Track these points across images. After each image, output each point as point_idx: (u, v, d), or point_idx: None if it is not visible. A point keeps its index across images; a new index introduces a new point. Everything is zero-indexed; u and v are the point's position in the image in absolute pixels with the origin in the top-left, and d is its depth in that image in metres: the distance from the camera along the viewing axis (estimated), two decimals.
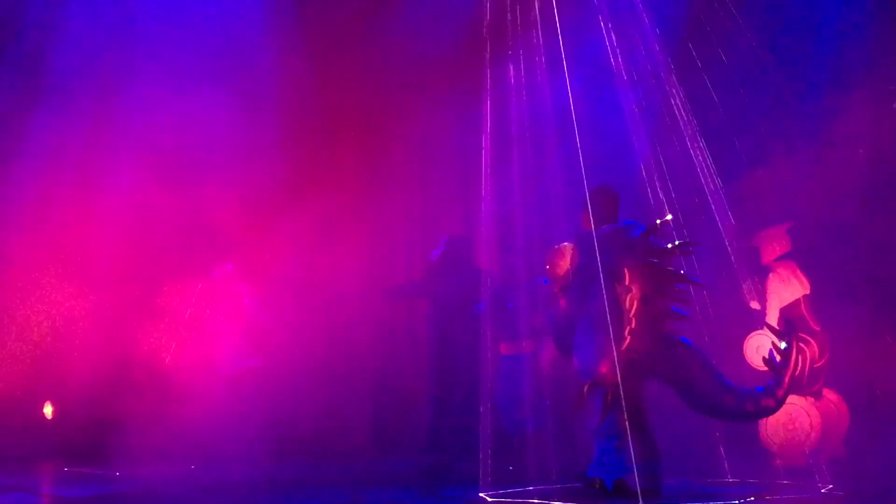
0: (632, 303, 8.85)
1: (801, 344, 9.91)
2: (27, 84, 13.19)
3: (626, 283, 8.86)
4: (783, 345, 9.10)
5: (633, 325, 8.85)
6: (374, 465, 12.19)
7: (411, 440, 12.48)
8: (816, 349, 10.62)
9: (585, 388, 8.98)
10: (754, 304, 11.01)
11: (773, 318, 10.73)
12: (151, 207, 13.08)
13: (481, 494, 9.25)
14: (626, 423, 8.89)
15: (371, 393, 13.77)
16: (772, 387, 9.05)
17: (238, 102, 13.10)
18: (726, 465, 10.09)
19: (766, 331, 9.97)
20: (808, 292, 10.82)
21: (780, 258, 10.89)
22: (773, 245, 10.92)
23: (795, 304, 10.78)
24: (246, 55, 13.32)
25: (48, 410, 12.81)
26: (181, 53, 13.14)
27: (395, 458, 12.39)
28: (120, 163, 13.02)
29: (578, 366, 9.05)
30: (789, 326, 9.07)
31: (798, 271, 10.87)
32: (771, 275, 10.85)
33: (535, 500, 8.93)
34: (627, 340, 8.85)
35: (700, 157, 10.65)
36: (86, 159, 13.15)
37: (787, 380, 9.00)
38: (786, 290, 10.81)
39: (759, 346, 10.74)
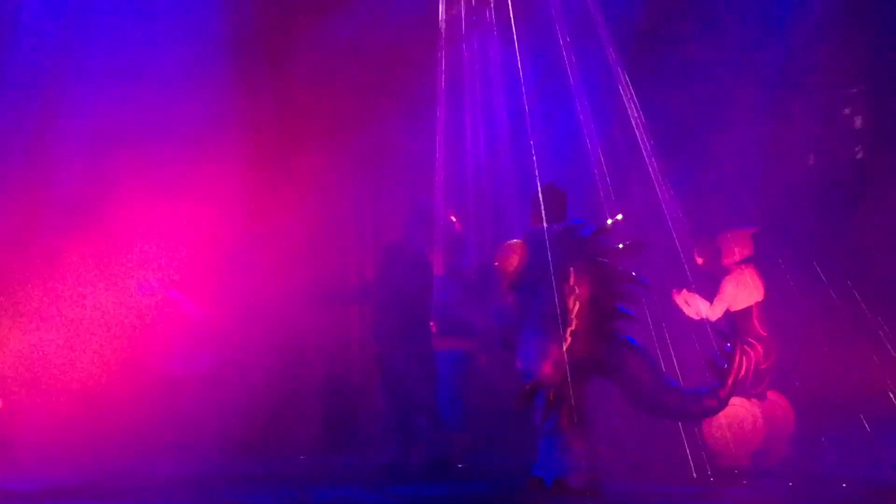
0: (575, 303, 8.87)
1: (745, 346, 10.01)
2: None
3: (571, 282, 8.88)
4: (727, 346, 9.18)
5: (574, 326, 8.86)
6: (322, 462, 12.18)
7: (361, 437, 12.49)
8: (762, 352, 10.69)
9: (527, 389, 9.01)
10: (699, 259, 11.02)
11: (715, 315, 10.77)
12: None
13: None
14: (568, 422, 8.93)
15: (320, 388, 13.74)
16: (715, 388, 9.13)
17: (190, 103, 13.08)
18: (670, 465, 10.17)
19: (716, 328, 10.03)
20: (761, 299, 10.88)
21: (741, 262, 10.94)
22: (735, 248, 10.96)
23: (748, 308, 10.83)
24: (197, 54, 13.27)
25: None
26: (133, 51, 13.09)
27: (344, 454, 12.38)
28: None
29: (521, 366, 9.07)
30: (734, 329, 9.14)
31: (756, 276, 10.92)
32: (728, 276, 10.89)
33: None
34: (569, 341, 8.87)
35: (651, 158, 10.70)
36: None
37: (730, 381, 9.09)
38: (741, 293, 10.85)
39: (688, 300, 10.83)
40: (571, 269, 8.88)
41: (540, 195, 9.39)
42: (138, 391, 12.55)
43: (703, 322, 10.48)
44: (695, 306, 10.74)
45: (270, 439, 12.85)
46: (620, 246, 9.07)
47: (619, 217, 9.25)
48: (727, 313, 10.66)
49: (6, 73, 12.97)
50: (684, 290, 10.77)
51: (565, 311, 8.86)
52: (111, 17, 13.24)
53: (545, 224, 9.22)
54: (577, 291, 8.86)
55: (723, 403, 9.24)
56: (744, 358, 9.51)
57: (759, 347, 10.56)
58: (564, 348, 8.81)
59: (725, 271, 10.83)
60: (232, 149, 13.25)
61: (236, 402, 12.64)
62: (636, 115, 10.77)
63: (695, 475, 10.05)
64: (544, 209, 9.31)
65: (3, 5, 13.13)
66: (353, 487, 9.81)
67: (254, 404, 12.74)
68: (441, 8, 11.40)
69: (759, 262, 10.88)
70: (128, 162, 12.95)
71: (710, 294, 10.80)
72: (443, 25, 11.50)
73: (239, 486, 9.94)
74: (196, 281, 13.03)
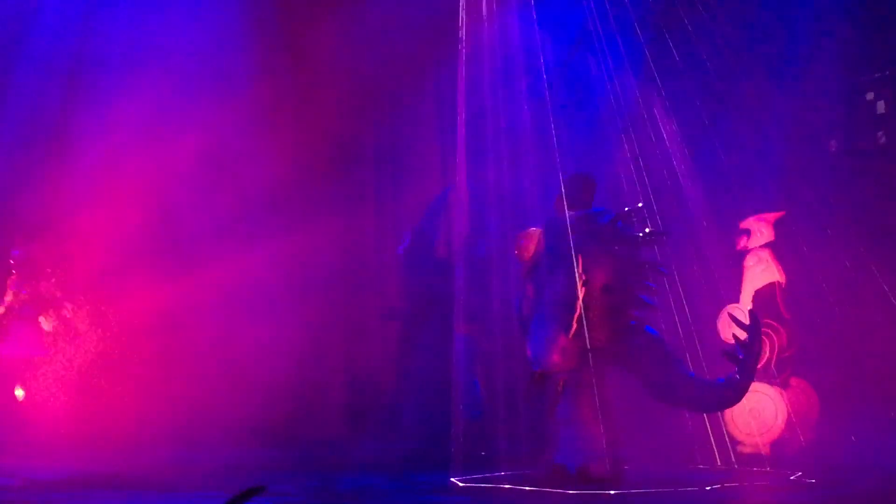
0: (583, 291, 8.88)
1: (769, 331, 9.99)
2: None
3: (580, 270, 8.88)
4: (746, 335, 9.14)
5: (579, 314, 8.87)
6: (346, 452, 12.20)
7: (384, 427, 12.51)
8: (785, 338, 10.66)
9: (535, 376, 9.03)
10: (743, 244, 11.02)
11: (746, 299, 10.76)
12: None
13: (452, 479, 9.28)
14: (590, 410, 8.94)
15: (343, 380, 13.78)
16: (733, 378, 9.08)
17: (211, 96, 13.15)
18: (693, 451, 10.16)
19: (732, 313, 9.98)
20: (782, 281, 10.85)
21: (763, 245, 10.93)
22: (760, 232, 10.96)
23: (770, 289, 10.80)
24: (217, 47, 13.32)
25: (20, 393, 12.79)
26: (152, 44, 13.15)
27: (367, 444, 12.40)
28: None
29: (529, 353, 9.09)
30: (754, 319, 9.11)
31: (776, 260, 10.90)
32: (748, 256, 10.89)
33: (506, 486, 8.98)
34: (574, 328, 8.87)
35: (674, 143, 10.68)
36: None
37: (748, 371, 9.03)
38: (762, 273, 10.85)
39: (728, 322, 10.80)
40: (580, 256, 8.89)
41: (563, 183, 9.39)
42: (169, 384, 12.68)
43: (722, 310, 10.46)
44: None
45: (294, 429, 12.89)
46: (640, 235, 9.05)
47: (640, 205, 9.22)
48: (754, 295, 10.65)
49: (28, 65, 13.05)
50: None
51: (573, 298, 8.87)
52: (131, 9, 13.30)
53: (567, 211, 9.23)
54: (584, 279, 8.87)
55: (739, 395, 9.19)
56: (764, 346, 9.47)
57: (783, 333, 10.53)
58: (571, 335, 8.83)
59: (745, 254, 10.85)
60: (251, 142, 13.31)
61: (260, 393, 12.73)
62: (659, 101, 10.75)
63: (718, 462, 10.05)
64: (568, 197, 9.31)
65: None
66: (375, 476, 9.84)
67: (277, 395, 12.82)
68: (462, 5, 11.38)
69: (778, 247, 10.87)
70: (147, 154, 13.03)
71: (731, 279, 10.80)
72: (463, 15, 11.47)
73: (263, 475, 9.96)
74: (216, 275, 13.10)
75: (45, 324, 12.41)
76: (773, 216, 11.00)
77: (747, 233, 11.03)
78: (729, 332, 10.54)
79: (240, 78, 13.51)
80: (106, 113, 12.96)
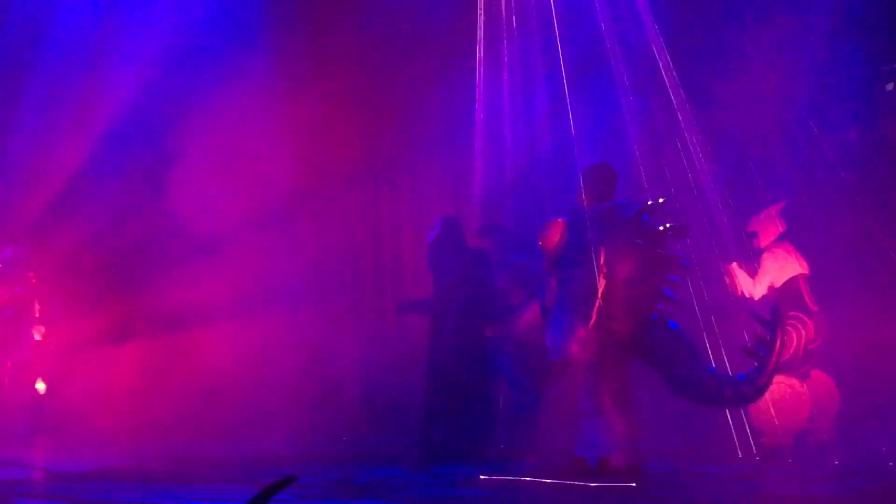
0: (604, 283, 8.87)
1: (797, 324, 9.97)
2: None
3: (602, 262, 8.87)
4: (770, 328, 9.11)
5: (599, 306, 8.86)
6: (367, 445, 12.22)
7: (402, 418, 12.50)
8: (812, 329, 10.63)
9: (553, 367, 9.04)
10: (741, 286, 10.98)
11: (759, 293, 10.72)
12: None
13: (476, 474, 9.28)
14: (610, 402, 8.94)
15: (364, 372, 13.77)
16: (753, 375, 9.03)
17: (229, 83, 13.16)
18: (714, 443, 10.15)
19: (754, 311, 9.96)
20: (806, 272, 10.81)
21: (777, 239, 10.89)
22: (769, 228, 10.91)
23: (793, 282, 10.76)
24: (237, 36, 13.33)
25: (41, 387, 12.82)
26: (171, 34, 13.16)
27: (388, 436, 12.41)
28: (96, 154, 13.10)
29: (548, 344, 9.10)
30: (775, 315, 9.08)
31: (794, 251, 10.86)
32: (765, 254, 10.84)
33: (525, 478, 8.98)
34: (594, 320, 8.87)
35: (693, 136, 10.66)
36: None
37: (768, 369, 9.00)
38: (780, 270, 10.79)
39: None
40: (602, 248, 8.89)
41: (584, 175, 9.39)
42: (185, 378, 12.71)
43: (745, 306, 10.43)
44: (742, 281, 10.69)
45: (314, 422, 12.90)
46: (662, 228, 9.03)
47: (662, 200, 9.19)
48: (771, 296, 10.59)
49: (45, 65, 13.08)
50: (735, 264, 10.72)
51: (593, 290, 8.87)
52: (148, 5, 13.32)
53: (588, 204, 9.23)
54: (606, 271, 8.86)
55: (760, 391, 9.16)
56: (787, 340, 9.44)
57: (810, 325, 10.51)
58: (590, 326, 8.83)
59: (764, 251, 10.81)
60: (267, 137, 13.33)
61: (278, 386, 12.75)
62: (677, 94, 10.73)
63: (740, 454, 10.04)
64: (589, 189, 9.31)
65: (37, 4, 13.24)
66: (395, 468, 9.85)
67: (295, 388, 12.84)
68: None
69: (795, 236, 10.84)
70: (166, 152, 13.06)
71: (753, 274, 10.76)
72: (481, 11, 11.47)
73: (283, 468, 9.97)
74: (231, 269, 13.13)
75: (37, 334, 12.40)
76: (776, 208, 10.95)
77: (755, 234, 10.98)
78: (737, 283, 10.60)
79: (255, 72, 13.53)
80: (122, 111, 12.99)
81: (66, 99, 13.11)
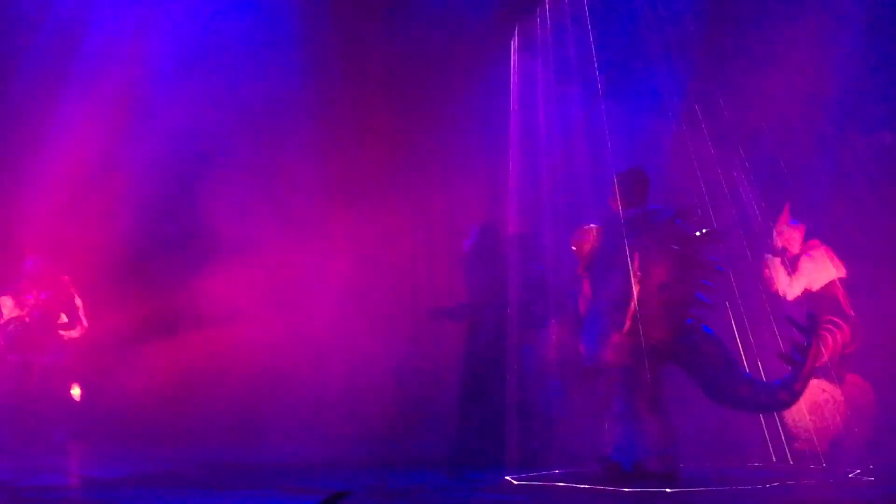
0: (638, 288, 8.86)
1: (833, 328, 9.93)
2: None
3: (636, 267, 8.86)
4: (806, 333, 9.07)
5: (633, 310, 8.85)
6: (398, 448, 12.23)
7: (436, 423, 12.50)
8: (849, 334, 10.57)
9: (587, 372, 9.04)
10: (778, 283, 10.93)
11: (793, 294, 10.69)
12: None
13: (507, 478, 9.28)
14: (645, 407, 8.93)
15: (398, 377, 13.78)
16: (788, 380, 9.02)
17: (262, 92, 13.22)
18: (748, 448, 10.11)
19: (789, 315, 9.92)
20: (843, 276, 10.76)
21: (812, 241, 10.85)
22: (792, 233, 10.88)
23: (830, 286, 10.71)
24: (270, 44, 13.40)
25: (76, 392, 12.89)
26: (208, 39, 13.24)
27: (420, 441, 12.42)
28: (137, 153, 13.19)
29: (583, 350, 9.10)
30: (811, 321, 9.04)
31: (832, 254, 10.82)
32: (803, 256, 10.80)
33: (560, 484, 8.97)
34: (628, 325, 8.86)
35: (728, 142, 10.62)
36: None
37: (804, 374, 8.97)
38: (817, 273, 10.75)
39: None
40: (636, 253, 8.88)
41: (617, 180, 9.38)
42: (221, 383, 12.76)
43: (780, 311, 10.38)
44: (780, 279, 10.66)
45: (347, 426, 12.93)
46: (697, 233, 9.00)
47: (696, 206, 9.17)
48: (806, 301, 10.54)
49: (80, 68, 13.18)
50: (775, 258, 10.69)
51: (627, 295, 8.85)
52: (183, 16, 13.40)
53: (622, 209, 9.22)
54: (640, 276, 8.85)
55: (795, 396, 9.14)
56: (823, 345, 9.40)
57: (846, 329, 10.45)
58: (624, 332, 8.82)
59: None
60: (305, 141, 13.38)
61: (313, 391, 12.78)
62: (710, 97, 10.69)
63: (774, 459, 10.00)
64: (623, 194, 9.30)
65: (74, 3, 13.33)
66: (430, 473, 9.85)
67: (331, 393, 12.87)
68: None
69: (830, 239, 10.79)
70: (202, 162, 13.13)
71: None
72: (516, 16, 11.46)
73: (318, 473, 10.01)
74: (268, 274, 13.17)
75: (74, 332, 12.44)
76: (785, 214, 10.92)
77: (784, 248, 10.93)
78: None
79: (290, 76, 13.58)
80: (159, 113, 13.07)
81: (102, 102, 13.21)
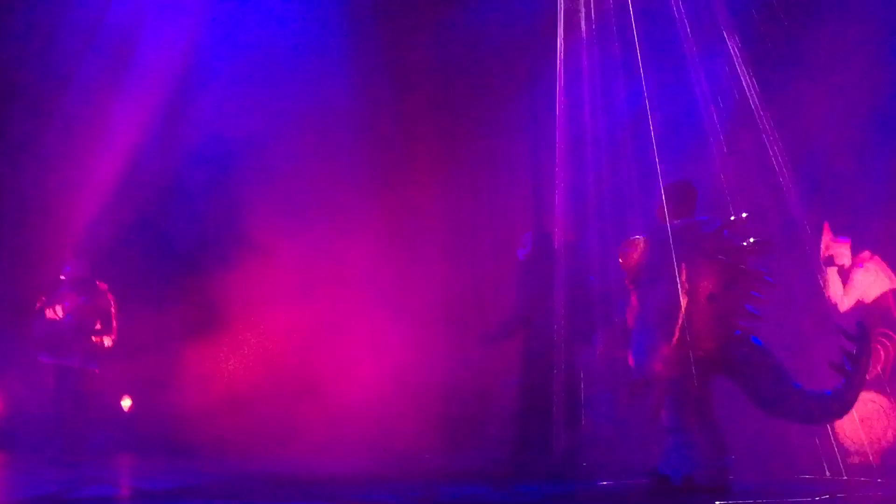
0: (685, 300, 8.82)
1: (885, 340, 9.83)
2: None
3: (683, 279, 8.83)
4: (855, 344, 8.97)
5: (681, 322, 8.80)
6: (447, 461, 12.22)
7: (484, 435, 12.50)
8: None
9: (636, 385, 9.00)
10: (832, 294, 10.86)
11: (845, 305, 10.60)
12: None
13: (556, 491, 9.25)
14: (694, 419, 8.87)
15: (444, 387, 13.78)
16: (840, 391, 8.90)
17: (309, 103, 13.28)
18: (799, 461, 10.02)
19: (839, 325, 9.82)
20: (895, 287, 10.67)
21: (863, 253, 10.77)
22: (840, 248, 10.80)
23: (883, 297, 10.62)
24: (318, 54, 13.46)
25: (126, 403, 12.99)
26: (251, 52, 13.33)
27: (469, 453, 12.41)
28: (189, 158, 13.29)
29: (631, 362, 9.07)
30: (862, 330, 8.95)
31: (885, 266, 10.73)
32: (856, 269, 10.71)
33: (613, 497, 8.93)
34: (676, 337, 8.82)
35: (777, 150, 10.54)
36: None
37: (855, 384, 8.87)
38: (871, 285, 10.66)
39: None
40: (683, 264, 8.84)
41: (664, 192, 9.35)
42: (258, 394, 12.81)
43: (830, 321, 10.29)
44: (834, 290, 10.59)
45: (396, 438, 12.93)
46: (745, 244, 8.94)
47: (745, 215, 9.10)
48: (859, 311, 10.44)
49: (130, 83, 13.30)
50: (832, 269, 10.61)
51: (675, 307, 8.82)
52: (234, 21, 13.50)
53: (669, 220, 9.18)
54: (687, 288, 8.81)
55: (846, 408, 9.02)
56: (875, 356, 9.30)
57: None
58: (672, 344, 8.78)
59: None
60: (352, 147, 13.41)
61: (362, 403, 12.78)
62: (761, 107, 10.62)
63: (827, 472, 9.90)
64: (669, 206, 9.27)
65: (126, 12, 13.46)
66: (479, 486, 9.83)
67: (378, 405, 12.87)
68: (560, 11, 11.35)
69: (883, 250, 10.69)
70: (252, 166, 13.19)
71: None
72: (561, 19, 11.44)
73: (365, 485, 10.01)
74: (308, 280, 13.22)
75: (107, 340, 12.50)
76: (826, 230, 10.83)
77: (832, 259, 10.85)
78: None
79: (338, 84, 13.64)
80: (206, 122, 13.16)
81: (150, 110, 13.34)
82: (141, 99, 13.36)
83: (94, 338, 12.44)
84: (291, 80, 13.62)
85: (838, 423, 10.11)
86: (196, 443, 12.71)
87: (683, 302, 8.83)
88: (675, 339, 8.84)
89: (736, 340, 8.97)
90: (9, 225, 13.65)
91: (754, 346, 8.98)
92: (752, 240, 8.96)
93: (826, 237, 10.81)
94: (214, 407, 12.89)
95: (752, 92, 10.64)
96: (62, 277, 12.61)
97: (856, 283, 10.66)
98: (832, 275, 10.71)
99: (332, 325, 13.32)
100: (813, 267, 10.66)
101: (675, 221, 9.15)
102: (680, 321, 8.82)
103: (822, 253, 10.82)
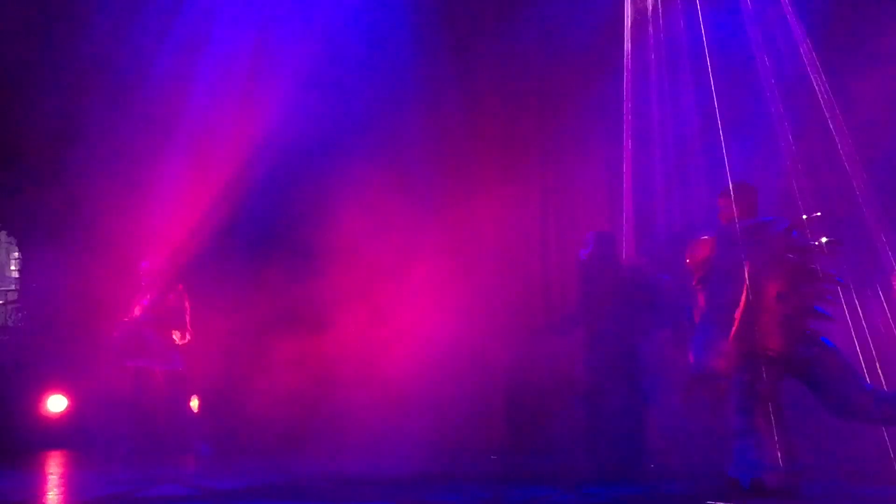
0: (753, 299, 8.74)
1: None
2: None
3: (747, 277, 8.76)
4: None
5: (743, 319, 8.73)
6: (514, 462, 12.20)
7: (550, 436, 12.45)
8: None
9: (694, 382, 8.96)
10: None
11: None
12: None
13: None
14: (763, 421, 8.79)
15: (510, 389, 13.75)
16: None
17: (375, 101, 13.31)
18: (872, 465, 9.88)
19: None
20: None
21: None
22: None
23: None
24: (386, 53, 13.49)
25: (194, 404, 13.07)
26: (318, 50, 13.39)
27: (537, 455, 12.38)
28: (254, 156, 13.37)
29: (691, 358, 9.02)
30: None
31: None
32: None
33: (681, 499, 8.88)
34: (735, 329, 8.77)
35: (848, 151, 10.41)
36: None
37: None
38: None
39: None
40: (751, 264, 8.77)
41: (731, 192, 9.30)
42: (322, 394, 12.86)
43: None
44: None
45: (459, 439, 12.92)
46: (815, 243, 8.85)
47: (817, 214, 9.01)
48: None
49: (202, 83, 13.40)
50: None
51: (737, 304, 8.74)
52: (301, 24, 13.56)
53: (737, 220, 9.12)
54: (755, 287, 8.74)
55: None
56: None
57: None
58: (730, 338, 8.72)
59: None
60: (421, 146, 13.44)
61: (429, 404, 12.79)
62: (828, 106, 10.50)
63: None
64: (736, 206, 9.21)
65: (196, 14, 13.57)
66: (546, 488, 9.80)
67: (445, 406, 12.87)
68: (627, 8, 11.31)
69: None
70: (320, 167, 13.26)
71: None
72: (629, 24, 11.39)
73: (433, 487, 10.02)
74: (368, 283, 13.25)
75: (177, 337, 12.56)
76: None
77: None
78: None
79: (405, 81, 13.66)
80: (277, 121, 13.24)
81: (223, 109, 13.43)
82: (217, 97, 13.45)
83: (173, 338, 12.52)
84: (357, 77, 13.66)
85: None
86: (266, 442, 12.77)
87: (751, 302, 8.77)
88: (732, 333, 8.79)
89: (806, 341, 8.89)
90: (81, 227, 13.76)
91: (824, 346, 8.89)
92: (823, 239, 8.88)
93: None
94: (284, 406, 12.93)
95: (822, 90, 10.53)
96: (141, 271, 12.71)
97: None
98: None
99: (404, 330, 13.33)
100: (885, 267, 10.51)
101: (743, 221, 9.10)
102: (738, 315, 8.78)
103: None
